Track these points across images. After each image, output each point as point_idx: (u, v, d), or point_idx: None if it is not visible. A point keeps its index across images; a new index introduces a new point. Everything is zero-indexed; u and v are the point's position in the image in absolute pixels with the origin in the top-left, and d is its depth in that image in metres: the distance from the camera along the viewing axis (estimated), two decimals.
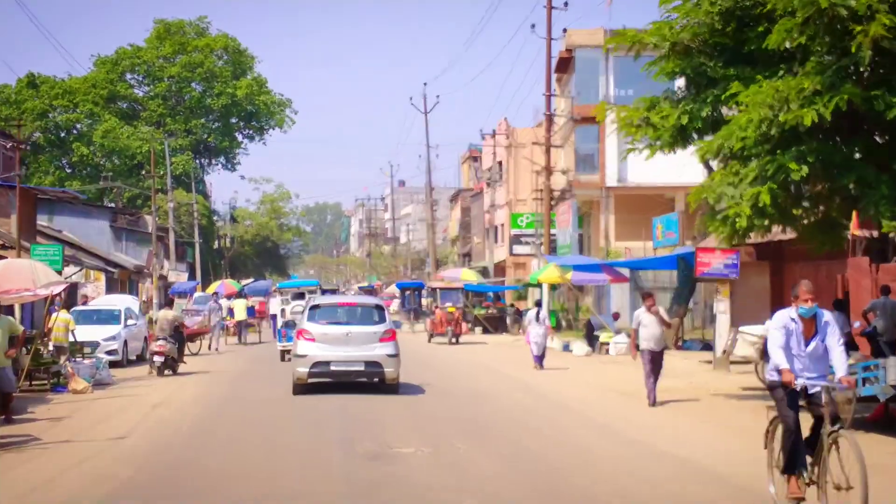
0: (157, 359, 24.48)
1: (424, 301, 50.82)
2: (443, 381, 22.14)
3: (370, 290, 64.50)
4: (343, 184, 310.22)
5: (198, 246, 69.13)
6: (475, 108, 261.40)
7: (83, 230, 56.50)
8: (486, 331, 43.34)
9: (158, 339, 24.83)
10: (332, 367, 18.82)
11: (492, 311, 45.84)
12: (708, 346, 28.57)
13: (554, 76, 64.29)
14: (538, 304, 27.64)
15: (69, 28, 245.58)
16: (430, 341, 36.90)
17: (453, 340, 35.47)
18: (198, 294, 53.12)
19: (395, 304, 67.45)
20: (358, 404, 17.61)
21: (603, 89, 58.27)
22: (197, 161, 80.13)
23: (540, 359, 25.93)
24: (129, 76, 78.91)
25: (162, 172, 69.91)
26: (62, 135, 76.79)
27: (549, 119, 39.68)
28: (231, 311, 41.85)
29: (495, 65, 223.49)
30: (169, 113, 77.36)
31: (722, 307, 23.17)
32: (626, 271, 34.71)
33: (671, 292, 34.33)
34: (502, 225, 69.06)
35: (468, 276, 49.13)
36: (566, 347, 30.25)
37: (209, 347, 33.94)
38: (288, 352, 24.79)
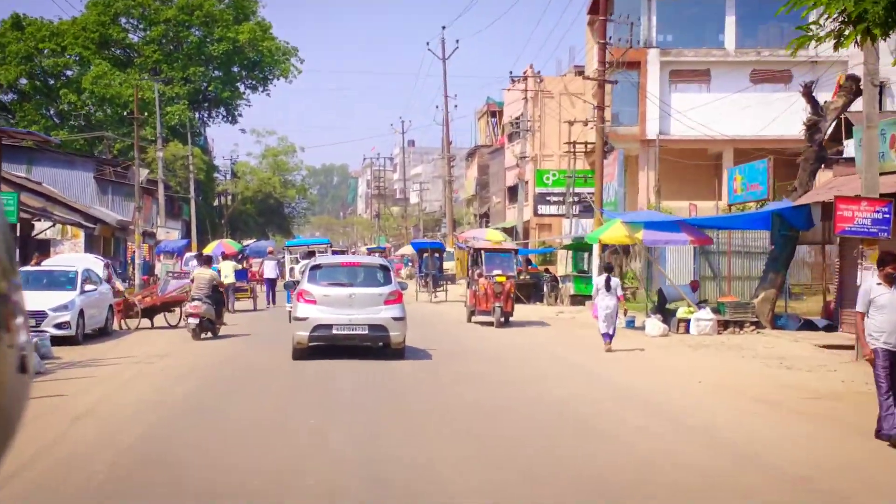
0: (192, 321, 23.23)
1: (448, 265, 45.19)
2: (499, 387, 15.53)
3: (381, 252, 58.91)
4: (350, 145, 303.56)
5: (193, 202, 63.57)
6: (492, 60, 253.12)
7: (65, 182, 51.01)
8: (517, 300, 37.56)
9: (194, 300, 23.44)
10: (335, 331, 17.91)
11: (525, 278, 40.06)
12: (810, 323, 22.97)
13: (586, 18, 58.65)
14: (608, 268, 21.94)
15: None
16: (470, 320, 28.38)
17: (502, 320, 26.55)
18: (190, 254, 47.58)
19: (404, 271, 62.26)
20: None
21: (645, 33, 52.63)
22: (196, 113, 74.37)
23: (610, 337, 20.55)
24: (122, 20, 72.93)
25: (150, 119, 64.24)
26: (50, 82, 70.98)
27: (603, 48, 33.70)
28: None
29: (514, 14, 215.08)
30: (165, 59, 71.44)
31: (871, 277, 17.45)
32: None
33: (752, 257, 28.75)
34: (527, 182, 63.34)
35: (494, 236, 43.38)
36: (630, 323, 24.57)
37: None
38: None
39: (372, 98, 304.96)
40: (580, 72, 63.82)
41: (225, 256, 37.22)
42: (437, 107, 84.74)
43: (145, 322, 26.34)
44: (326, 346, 18.15)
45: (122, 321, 25.94)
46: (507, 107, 68.47)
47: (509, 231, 53.69)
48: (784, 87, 51.17)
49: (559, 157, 61.84)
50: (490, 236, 44.16)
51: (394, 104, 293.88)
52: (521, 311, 32.11)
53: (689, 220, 25.99)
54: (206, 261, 27.85)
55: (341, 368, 16.77)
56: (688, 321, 23.17)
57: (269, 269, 38.08)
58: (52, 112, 71.79)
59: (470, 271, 28.18)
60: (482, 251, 28.55)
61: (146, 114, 62.41)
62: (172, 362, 18.09)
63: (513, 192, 67.05)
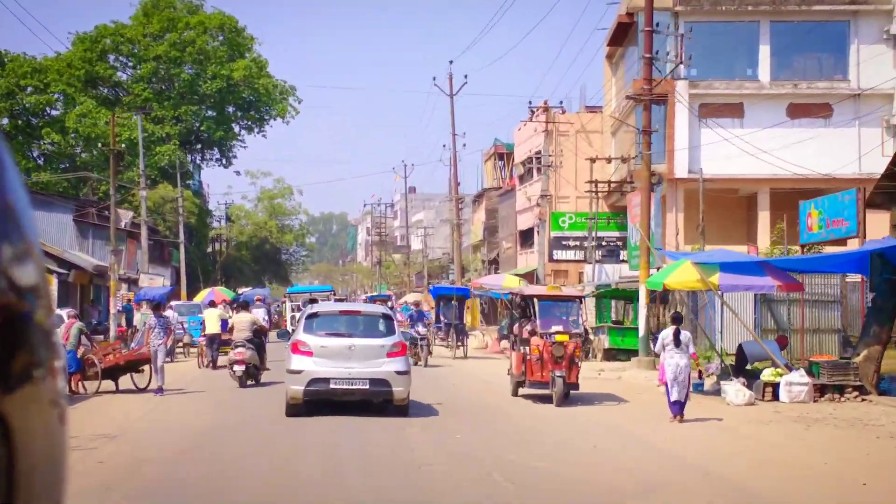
0: (238, 368, 22.83)
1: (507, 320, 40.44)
2: None
3: (384, 301, 54.70)
4: (350, 193, 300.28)
5: (183, 247, 59.21)
6: (498, 103, 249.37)
7: (42, 224, 46.66)
8: None
9: (237, 346, 23.06)
10: (332, 386, 16.64)
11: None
12: None
13: (605, 50, 54.77)
14: (677, 319, 17.56)
15: (45, 8, 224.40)
16: (517, 393, 20.95)
17: (563, 395, 19.29)
18: (177, 303, 43.19)
19: (406, 321, 57.72)
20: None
21: (671, 65, 48.63)
22: (188, 155, 70.27)
23: (681, 406, 16.20)
24: (111, 57, 69.03)
25: (137, 160, 60.03)
26: (32, 121, 66.91)
27: (650, 63, 29.54)
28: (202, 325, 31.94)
29: (522, 52, 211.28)
30: (155, 98, 67.43)
31: None
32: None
33: (820, 307, 24.36)
34: (537, 225, 59.12)
35: (512, 283, 39.16)
36: (698, 387, 20.03)
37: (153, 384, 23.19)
38: None
39: (372, 141, 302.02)
40: (592, 110, 59.90)
41: (212, 304, 32.93)
42: (444, 146, 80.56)
43: (108, 384, 21.80)
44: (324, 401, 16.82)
45: (80, 383, 21.46)
46: (518, 147, 64.46)
47: (528, 277, 49.27)
48: (824, 122, 47.17)
49: (576, 199, 57.75)
50: (508, 283, 39.86)
51: (395, 148, 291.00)
52: None
53: (773, 260, 21.49)
54: (244, 305, 27.24)
55: (343, 432, 15.08)
56: (775, 385, 18.66)
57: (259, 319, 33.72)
58: (35, 153, 67.69)
59: (515, 328, 21.30)
60: (534, 299, 20.57)
61: (133, 155, 58.45)
62: (121, 448, 13.53)
63: (525, 237, 62.79)
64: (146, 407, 19.14)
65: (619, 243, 50.40)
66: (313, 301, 32.63)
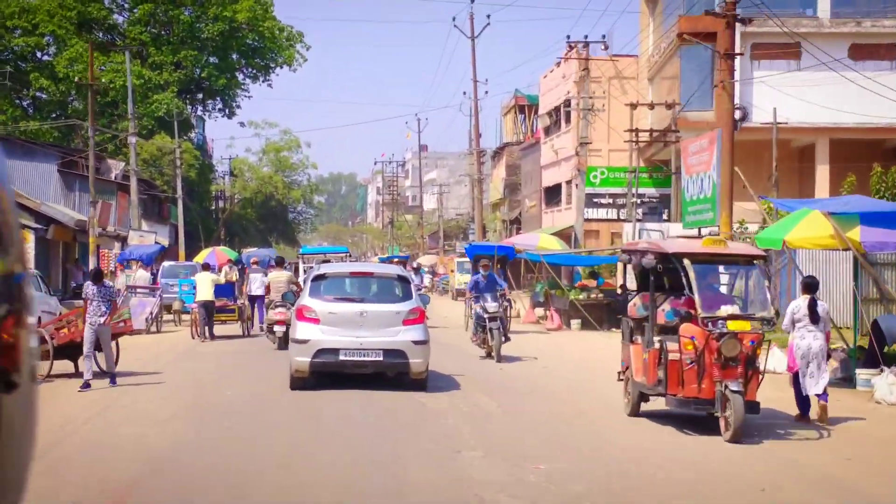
0: (278, 329, 21.85)
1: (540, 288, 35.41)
2: None
3: (402, 262, 50.14)
4: (359, 153, 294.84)
5: (180, 202, 54.63)
6: (519, 52, 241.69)
7: (22, 175, 42.14)
8: (586, 325, 28.52)
9: (277, 306, 22.30)
10: (342, 357, 14.77)
11: (596, 297, 30.88)
12: None
13: None
14: (811, 286, 12.75)
15: None
16: (637, 412, 13.30)
17: (739, 425, 11.44)
18: (169, 263, 38.66)
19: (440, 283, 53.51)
20: None
21: None
22: (190, 107, 65.47)
23: (823, 398, 11.86)
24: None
25: (135, 108, 55.46)
26: (21, 65, 62.10)
27: None
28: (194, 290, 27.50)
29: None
30: (153, 42, 62.56)
31: None
32: None
33: None
34: (569, 182, 54.40)
35: (549, 243, 34.58)
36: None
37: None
38: None
39: (384, 93, 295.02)
40: (617, 59, 54.95)
41: (206, 268, 28.49)
42: (464, 93, 75.39)
43: (65, 365, 17.23)
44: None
45: None
46: (543, 96, 59.55)
47: (563, 237, 44.54)
48: (890, 65, 42.32)
49: (608, 152, 52.95)
50: (543, 243, 35.25)
51: (407, 103, 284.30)
52: (598, 343, 23.32)
53: None
54: (279, 263, 26.21)
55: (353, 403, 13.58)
56: None
57: (256, 284, 29.34)
58: (24, 101, 63.01)
59: (632, 306, 13.61)
60: (684, 261, 12.17)
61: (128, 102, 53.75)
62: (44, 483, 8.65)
63: (551, 195, 58.08)
64: (108, 397, 14.64)
65: (658, 201, 45.77)
66: (325, 262, 29.47)
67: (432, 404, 13.97)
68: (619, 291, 31.74)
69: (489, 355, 20.44)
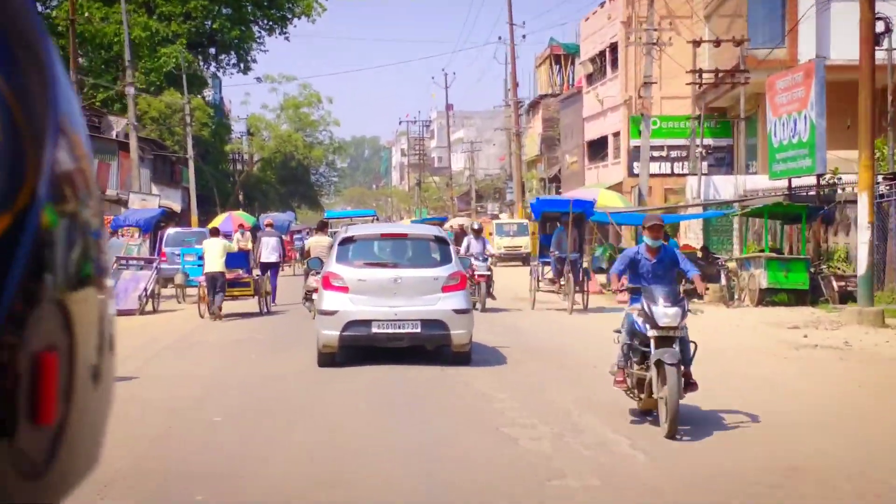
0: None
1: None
2: None
3: (439, 224, 45.57)
4: (382, 115, 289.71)
5: (191, 163, 50.13)
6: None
7: None
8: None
9: (316, 274, 19.04)
10: (375, 329, 13.32)
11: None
12: None
13: None
14: None
15: None
16: None
17: None
18: (174, 230, 34.15)
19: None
20: None
21: None
22: (203, 63, 60.83)
23: None
24: None
25: (141, 63, 51.01)
26: None
27: None
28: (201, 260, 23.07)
29: None
30: None
31: None
32: None
33: None
34: (615, 134, 49.56)
35: (610, 200, 29.89)
36: None
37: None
38: None
39: (407, 53, 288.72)
40: None
41: (214, 233, 24.11)
42: (499, 38, 69.99)
43: None
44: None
45: None
46: (584, 41, 54.51)
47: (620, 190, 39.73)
48: None
49: (660, 101, 48.09)
50: (604, 200, 30.56)
51: (431, 63, 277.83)
52: (711, 324, 18.71)
53: None
54: (321, 227, 24.73)
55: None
56: None
57: (268, 250, 25.00)
58: None
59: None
60: None
61: (137, 57, 49.33)
62: None
63: (595, 149, 53.23)
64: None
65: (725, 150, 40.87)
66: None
67: (479, 384, 12.13)
68: (699, 255, 26.99)
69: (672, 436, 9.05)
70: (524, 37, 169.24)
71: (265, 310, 23.11)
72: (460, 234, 36.99)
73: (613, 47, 49.10)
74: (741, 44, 36.44)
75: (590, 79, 53.69)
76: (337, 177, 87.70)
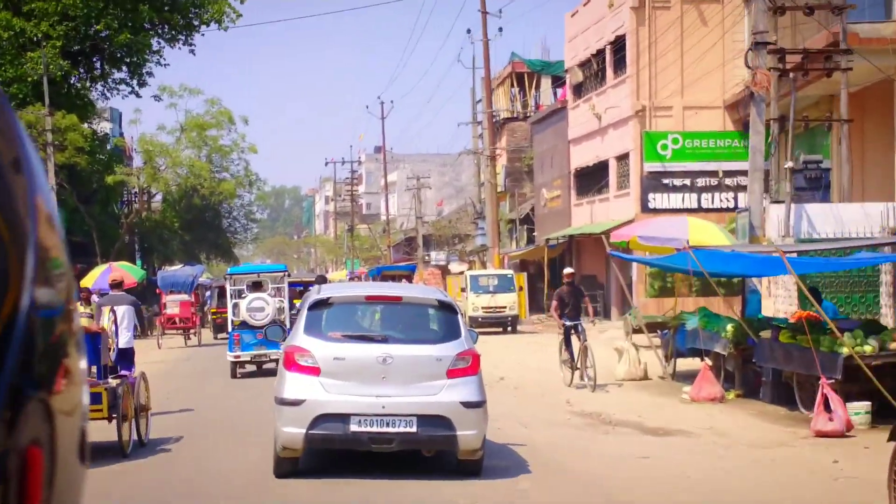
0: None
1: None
2: None
3: (406, 275, 33.23)
4: (302, 167, 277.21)
5: (53, 195, 37.36)
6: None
7: None
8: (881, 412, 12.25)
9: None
10: (354, 427, 10.24)
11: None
12: None
13: None
14: None
15: None
16: None
17: None
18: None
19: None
20: None
21: None
22: (82, 71, 48.16)
23: None
24: None
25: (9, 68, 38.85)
26: None
27: None
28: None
29: None
30: None
31: None
32: None
33: None
34: (620, 157, 37.93)
35: (706, 234, 18.10)
36: None
37: None
38: (241, 365, 21.55)
39: (332, 97, 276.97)
40: None
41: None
42: (468, 31, 57.25)
43: None
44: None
45: None
46: (571, 43, 42.96)
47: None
48: None
49: (682, 111, 36.97)
50: (701, 233, 18.78)
51: (357, 105, 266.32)
52: None
53: None
54: (258, 285, 22.83)
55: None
56: None
57: (106, 318, 13.59)
58: None
59: None
60: None
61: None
62: None
63: (586, 179, 41.61)
64: None
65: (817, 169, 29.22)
66: (258, 285, 23.16)
67: None
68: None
69: None
70: (500, 30, 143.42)
71: (130, 445, 12.60)
72: None
73: (618, 43, 37.64)
74: (842, 10, 25.12)
75: (578, 90, 42.16)
76: (255, 225, 74.28)
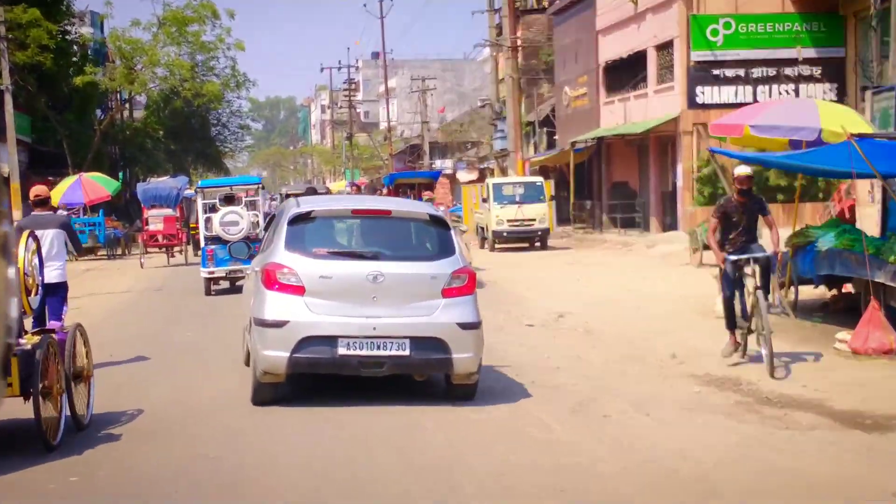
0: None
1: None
2: None
3: (428, 184, 28.78)
4: (299, 74, 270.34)
5: (7, 98, 32.37)
6: None
7: None
8: None
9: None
10: (342, 350, 9.57)
11: None
12: None
13: None
14: None
15: None
16: None
17: None
18: None
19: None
20: None
21: None
22: None
23: None
24: None
25: None
26: None
27: None
28: None
29: None
30: None
31: None
32: None
33: None
34: (661, 46, 33.09)
35: (844, 121, 13.78)
36: None
37: None
38: (216, 281, 20.62)
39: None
40: None
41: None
42: None
43: None
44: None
45: None
46: None
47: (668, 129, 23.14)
48: None
49: None
50: (835, 120, 14.14)
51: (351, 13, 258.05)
52: None
53: None
54: (230, 199, 21.41)
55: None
56: None
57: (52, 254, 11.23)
58: None
59: None
60: None
61: None
62: None
63: (617, 74, 36.77)
64: None
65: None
66: (229, 199, 21.45)
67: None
68: None
69: None
70: None
71: (61, 431, 8.66)
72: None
73: None
74: None
75: None
76: (247, 134, 68.83)
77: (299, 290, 9.76)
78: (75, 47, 44.89)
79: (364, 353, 9.63)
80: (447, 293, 9.83)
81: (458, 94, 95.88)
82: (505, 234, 29.82)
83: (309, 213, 10.22)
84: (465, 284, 9.92)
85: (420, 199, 22.74)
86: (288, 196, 24.17)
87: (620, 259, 25.46)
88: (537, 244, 30.94)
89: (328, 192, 46.64)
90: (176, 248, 32.37)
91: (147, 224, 33.39)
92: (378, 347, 9.64)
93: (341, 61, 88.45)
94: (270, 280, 9.85)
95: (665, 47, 33.02)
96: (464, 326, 9.77)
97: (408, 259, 10.13)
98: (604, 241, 31.29)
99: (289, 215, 10.17)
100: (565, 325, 13.98)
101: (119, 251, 36.39)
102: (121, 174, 52.13)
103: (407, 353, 9.65)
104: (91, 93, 43.82)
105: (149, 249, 32.24)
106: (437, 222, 10.39)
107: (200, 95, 45.30)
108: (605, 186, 38.14)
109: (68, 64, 42.46)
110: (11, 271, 1.70)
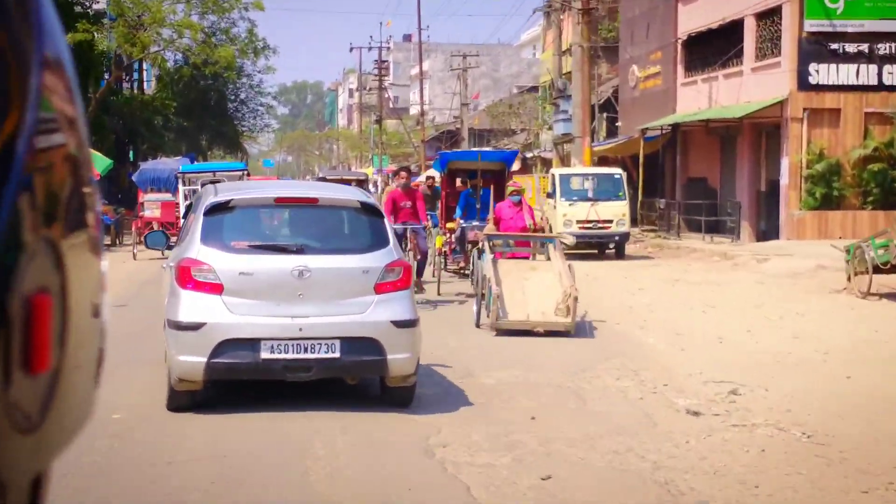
0: None
1: None
2: None
3: (358, 182, 23.36)
4: (327, 58, 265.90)
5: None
6: None
7: None
8: None
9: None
10: (265, 354, 9.03)
11: None
12: None
13: None
14: None
15: None
16: None
17: None
18: None
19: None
20: None
21: None
22: None
23: None
24: None
25: None
26: None
27: None
28: None
29: None
30: None
31: None
32: None
33: None
34: (762, 14, 27.41)
35: None
36: None
37: None
38: None
39: None
40: None
41: None
42: None
43: None
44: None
45: None
46: None
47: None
48: None
49: None
50: None
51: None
52: None
53: None
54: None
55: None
56: None
57: None
58: None
59: None
60: None
61: None
62: None
63: (700, 50, 31.10)
64: None
65: None
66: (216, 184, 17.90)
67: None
68: None
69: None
70: None
71: None
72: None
73: None
74: None
75: None
76: (266, 112, 63.30)
77: (217, 288, 9.15)
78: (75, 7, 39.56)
79: (290, 356, 9.07)
80: (380, 288, 9.28)
81: (493, 80, 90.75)
82: (576, 237, 24.17)
83: (228, 202, 9.55)
84: (400, 279, 9.38)
85: (487, 190, 17.14)
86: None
87: (730, 276, 19.70)
88: (609, 250, 25.29)
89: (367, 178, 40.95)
90: (174, 238, 27.39)
91: (142, 209, 28.83)
92: (305, 350, 9.10)
93: (373, 37, 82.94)
94: (184, 278, 9.24)
95: (769, 15, 27.31)
96: (399, 324, 9.25)
97: (337, 252, 9.57)
98: (691, 250, 25.56)
99: (205, 205, 9.47)
100: (754, 417, 8.27)
101: (108, 241, 31.29)
102: (131, 153, 47.02)
103: (337, 355, 9.12)
104: (88, 54, 38.29)
105: (143, 238, 27.58)
106: (370, 210, 9.74)
107: (212, 63, 39.64)
108: (678, 183, 32.55)
109: (65, 22, 37.13)
110: (105, 265, 1.53)
